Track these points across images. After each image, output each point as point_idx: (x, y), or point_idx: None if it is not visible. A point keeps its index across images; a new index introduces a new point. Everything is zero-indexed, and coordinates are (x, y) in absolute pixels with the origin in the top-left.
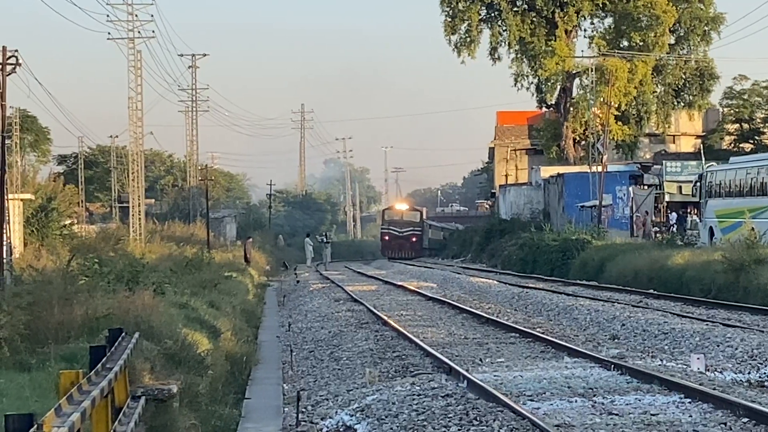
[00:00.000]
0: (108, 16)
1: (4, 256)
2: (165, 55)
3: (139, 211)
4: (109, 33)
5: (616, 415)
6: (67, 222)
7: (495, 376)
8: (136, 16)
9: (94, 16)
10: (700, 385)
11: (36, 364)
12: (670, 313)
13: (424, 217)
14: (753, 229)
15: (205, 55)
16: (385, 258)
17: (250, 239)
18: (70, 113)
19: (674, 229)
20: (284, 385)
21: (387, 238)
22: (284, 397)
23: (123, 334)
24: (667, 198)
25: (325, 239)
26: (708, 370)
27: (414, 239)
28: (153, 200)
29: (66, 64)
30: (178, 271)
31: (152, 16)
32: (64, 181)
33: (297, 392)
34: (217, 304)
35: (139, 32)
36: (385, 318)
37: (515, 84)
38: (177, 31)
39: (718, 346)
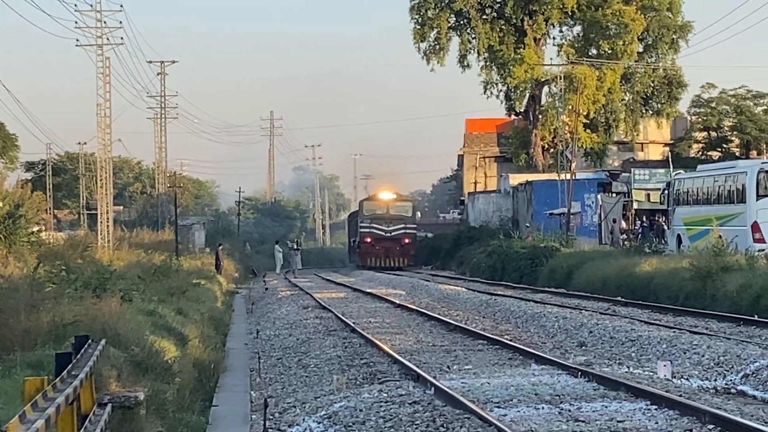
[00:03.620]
0: (76, 22)
1: None
2: (134, 61)
3: (108, 218)
4: (77, 40)
5: (583, 421)
6: (35, 229)
7: (462, 383)
8: (105, 22)
9: (62, 23)
10: (666, 392)
11: (1, 372)
12: (638, 320)
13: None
14: (720, 236)
15: (174, 62)
16: (355, 266)
17: (222, 246)
18: (38, 120)
19: (642, 237)
20: (252, 392)
21: (368, 239)
22: (252, 405)
23: (89, 341)
24: (635, 206)
25: (295, 246)
26: (674, 377)
27: (407, 241)
28: (121, 207)
29: (34, 70)
30: (146, 278)
31: (121, 23)
32: (32, 188)
33: (264, 399)
34: (185, 312)
35: (107, 39)
36: (353, 325)
37: (484, 91)
38: (146, 38)
39: (684, 353)
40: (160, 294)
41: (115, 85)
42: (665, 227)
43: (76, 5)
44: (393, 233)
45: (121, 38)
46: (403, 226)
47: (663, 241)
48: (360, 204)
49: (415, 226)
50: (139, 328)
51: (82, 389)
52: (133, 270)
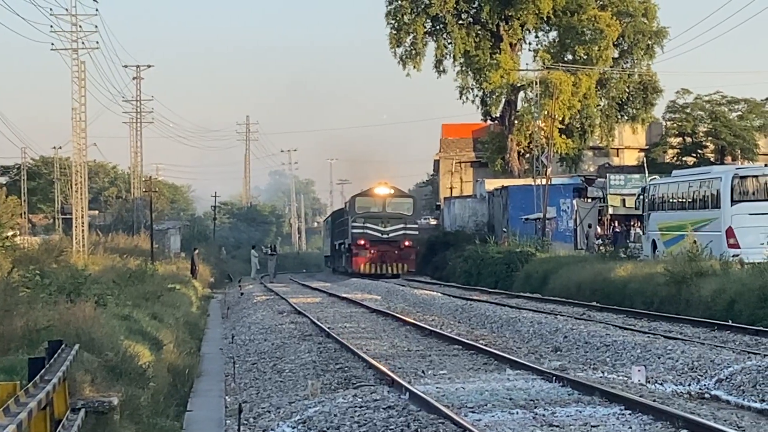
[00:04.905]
0: (51, 26)
1: None
2: (109, 66)
3: (83, 223)
4: (52, 44)
5: (557, 426)
6: (10, 233)
7: (437, 388)
8: (80, 26)
9: (37, 27)
10: (640, 397)
11: None
12: (613, 325)
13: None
14: (695, 242)
15: (149, 66)
16: (332, 271)
17: (197, 251)
18: (12, 124)
19: (614, 243)
20: (226, 397)
21: (362, 242)
22: (226, 410)
23: (63, 345)
24: (610, 211)
25: (270, 251)
26: (649, 382)
27: (407, 244)
28: (97, 212)
29: (8, 74)
30: (121, 282)
31: (96, 27)
32: (7, 193)
33: (239, 404)
34: (159, 316)
35: (83, 43)
36: (329, 330)
37: (460, 97)
38: (122, 42)
39: (659, 358)
40: (134, 299)
41: (91, 89)
42: (627, 233)
43: (51, 9)
44: (391, 235)
45: (97, 42)
46: (402, 226)
47: (628, 247)
48: (351, 201)
49: (416, 226)
50: (113, 333)
51: (56, 394)
52: (108, 275)
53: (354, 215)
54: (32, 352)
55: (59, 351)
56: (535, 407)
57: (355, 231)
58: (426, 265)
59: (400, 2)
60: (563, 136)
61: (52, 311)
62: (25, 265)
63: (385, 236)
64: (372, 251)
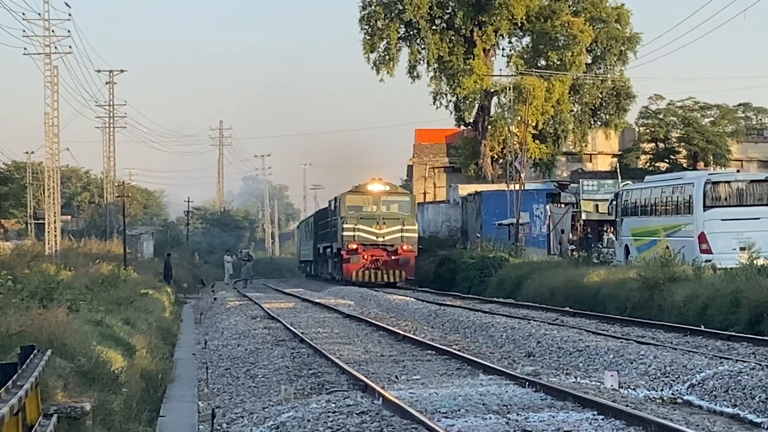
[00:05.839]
0: (24, 31)
1: None
2: (82, 70)
3: (55, 228)
4: (25, 48)
5: (530, 431)
6: None
7: (410, 393)
8: (53, 31)
9: (9, 31)
10: (613, 402)
11: None
12: (586, 330)
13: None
14: (668, 247)
15: (123, 71)
16: (304, 276)
17: (171, 256)
18: None
19: (585, 248)
20: (199, 402)
21: (354, 246)
22: (199, 415)
23: (35, 351)
24: (583, 216)
25: (244, 257)
26: (621, 387)
27: (405, 248)
28: (69, 217)
29: None
30: (93, 288)
31: (69, 31)
32: None
33: (212, 410)
34: (132, 322)
35: (55, 47)
36: (302, 335)
37: (434, 102)
38: (94, 47)
39: (631, 363)
40: (107, 304)
41: (63, 94)
42: (599, 238)
43: (24, 14)
44: (387, 238)
45: (70, 47)
46: (399, 228)
47: (601, 252)
48: (339, 199)
49: (415, 227)
50: (85, 339)
51: (28, 400)
52: (80, 280)
53: (344, 216)
54: (4, 358)
55: (31, 356)
56: (508, 412)
57: (345, 234)
58: None
59: (373, 8)
60: (536, 142)
61: (25, 317)
62: None
63: (380, 239)
64: (365, 257)
